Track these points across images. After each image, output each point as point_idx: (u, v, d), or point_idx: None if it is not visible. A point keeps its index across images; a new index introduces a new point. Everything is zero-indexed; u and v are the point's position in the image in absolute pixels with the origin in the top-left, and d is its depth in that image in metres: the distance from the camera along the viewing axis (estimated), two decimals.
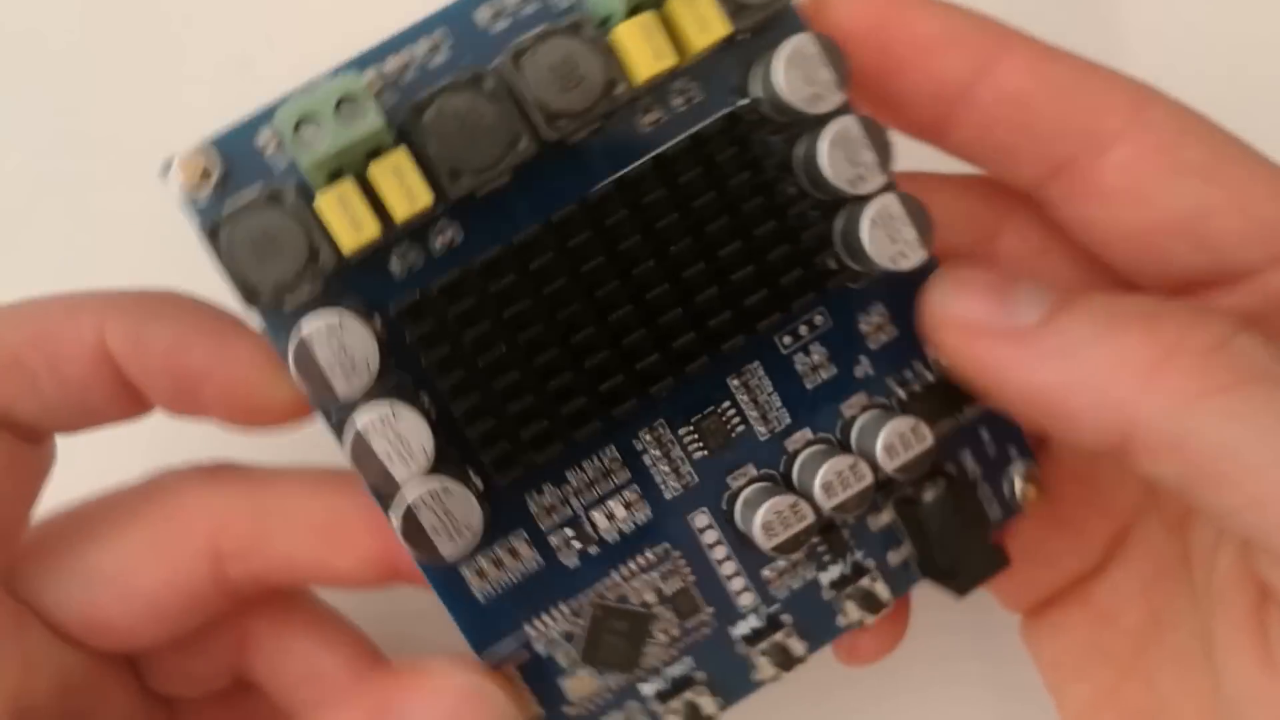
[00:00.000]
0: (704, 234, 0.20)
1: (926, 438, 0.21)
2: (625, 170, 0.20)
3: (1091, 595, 0.23)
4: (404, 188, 0.19)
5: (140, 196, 0.22)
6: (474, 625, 0.21)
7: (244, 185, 0.19)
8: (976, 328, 0.20)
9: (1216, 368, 0.17)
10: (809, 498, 0.20)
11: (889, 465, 0.21)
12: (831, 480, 0.20)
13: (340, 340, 0.19)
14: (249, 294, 0.18)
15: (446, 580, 0.20)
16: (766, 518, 0.20)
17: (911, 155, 0.21)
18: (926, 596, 0.23)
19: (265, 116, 0.19)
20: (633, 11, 0.19)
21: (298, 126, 0.18)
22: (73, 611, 0.21)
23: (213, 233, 0.18)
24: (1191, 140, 0.20)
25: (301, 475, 0.22)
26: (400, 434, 0.19)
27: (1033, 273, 0.22)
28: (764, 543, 0.20)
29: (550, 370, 0.19)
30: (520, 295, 0.19)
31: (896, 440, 0.21)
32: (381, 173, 0.18)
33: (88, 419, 0.21)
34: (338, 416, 0.19)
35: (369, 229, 0.18)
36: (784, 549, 0.20)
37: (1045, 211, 0.22)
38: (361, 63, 0.20)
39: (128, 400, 0.21)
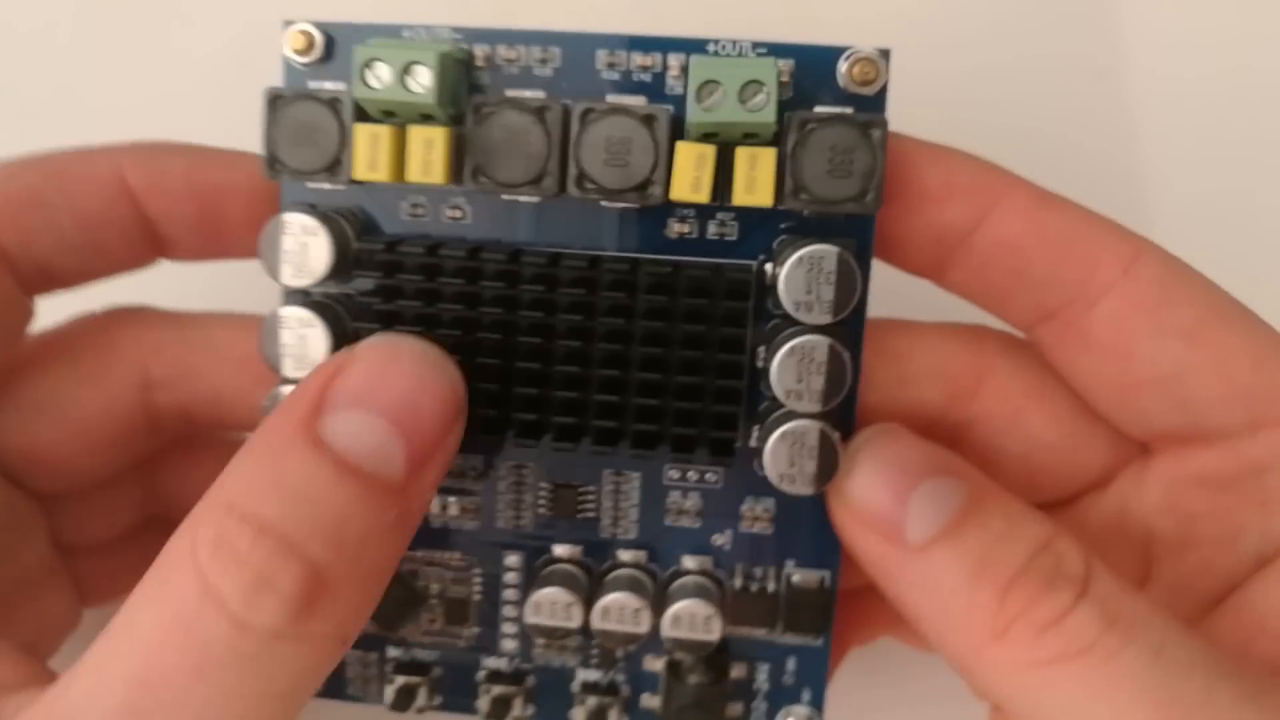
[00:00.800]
0: (652, 348, 0.21)
1: (714, 632, 0.21)
2: (616, 255, 0.21)
3: None
4: (427, 160, 0.20)
5: None
6: None
7: (331, 76, 0.21)
8: (868, 521, 0.20)
9: (1047, 641, 0.18)
10: (588, 605, 0.22)
11: (667, 631, 0.21)
12: (611, 609, 0.21)
13: (306, 242, 0.21)
14: (271, 165, 0.21)
15: None
16: (542, 597, 0.22)
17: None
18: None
19: (370, 31, 0.21)
20: (704, 137, 0.20)
21: (369, 63, 0.20)
22: (12, 446, 0.22)
23: (273, 102, 0.21)
24: (1179, 298, 0.20)
25: (226, 316, 0.24)
26: (306, 339, 0.21)
27: (1009, 433, 0.22)
28: (528, 614, 0.22)
29: (486, 349, 0.21)
30: (482, 302, 0.21)
31: (687, 617, 0.21)
32: (416, 138, 0.20)
33: (102, 263, 0.22)
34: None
35: (381, 173, 0.20)
36: (538, 631, 0.22)
37: (1038, 351, 0.22)
38: (477, 38, 0.21)
39: (143, 241, 0.22)
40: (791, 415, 0.21)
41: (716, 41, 0.21)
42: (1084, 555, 0.19)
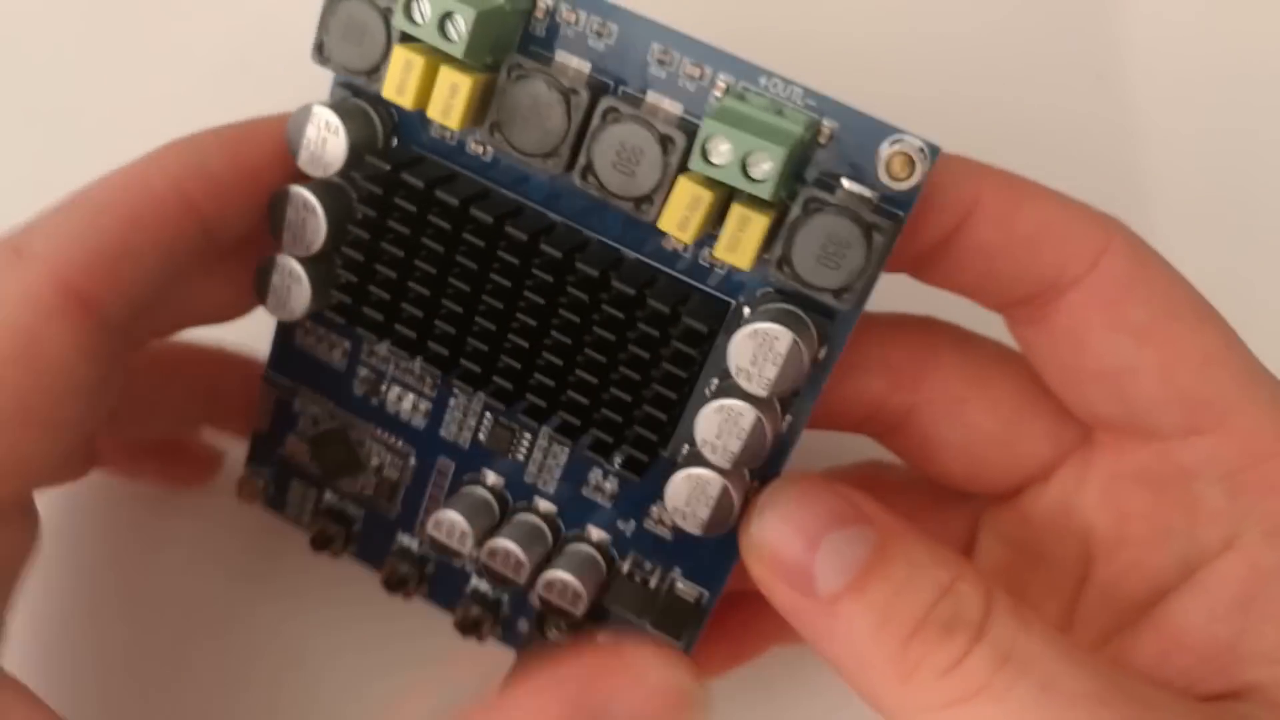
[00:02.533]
0: (618, 341, 0.21)
1: (579, 609, 0.23)
2: (603, 243, 0.21)
3: None
4: (449, 103, 0.20)
5: None
6: (280, 355, 0.25)
7: None
8: (779, 573, 0.20)
9: (947, 684, 0.19)
10: (481, 542, 0.23)
11: (539, 589, 0.23)
12: (498, 552, 0.23)
13: (326, 138, 0.22)
14: (320, 53, 0.21)
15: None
16: (443, 517, 0.23)
17: None
18: None
19: None
20: (708, 182, 0.19)
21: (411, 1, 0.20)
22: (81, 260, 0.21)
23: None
24: (1138, 296, 0.21)
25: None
26: (306, 224, 0.22)
27: (949, 421, 0.23)
28: (429, 526, 0.24)
29: (450, 294, 0.22)
30: (459, 250, 0.22)
31: (559, 585, 0.23)
32: (444, 79, 0.20)
33: (188, 294, 0.23)
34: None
35: (407, 99, 0.21)
36: (432, 544, 0.24)
37: (1008, 326, 0.23)
38: None
39: (206, 249, 0.22)
40: (703, 465, 0.21)
41: (770, 75, 0.20)
42: (983, 597, 0.19)
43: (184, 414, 0.29)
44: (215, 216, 0.22)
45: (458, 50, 0.20)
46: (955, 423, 0.23)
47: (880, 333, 0.23)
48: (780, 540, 0.20)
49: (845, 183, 0.20)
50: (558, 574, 0.23)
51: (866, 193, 0.20)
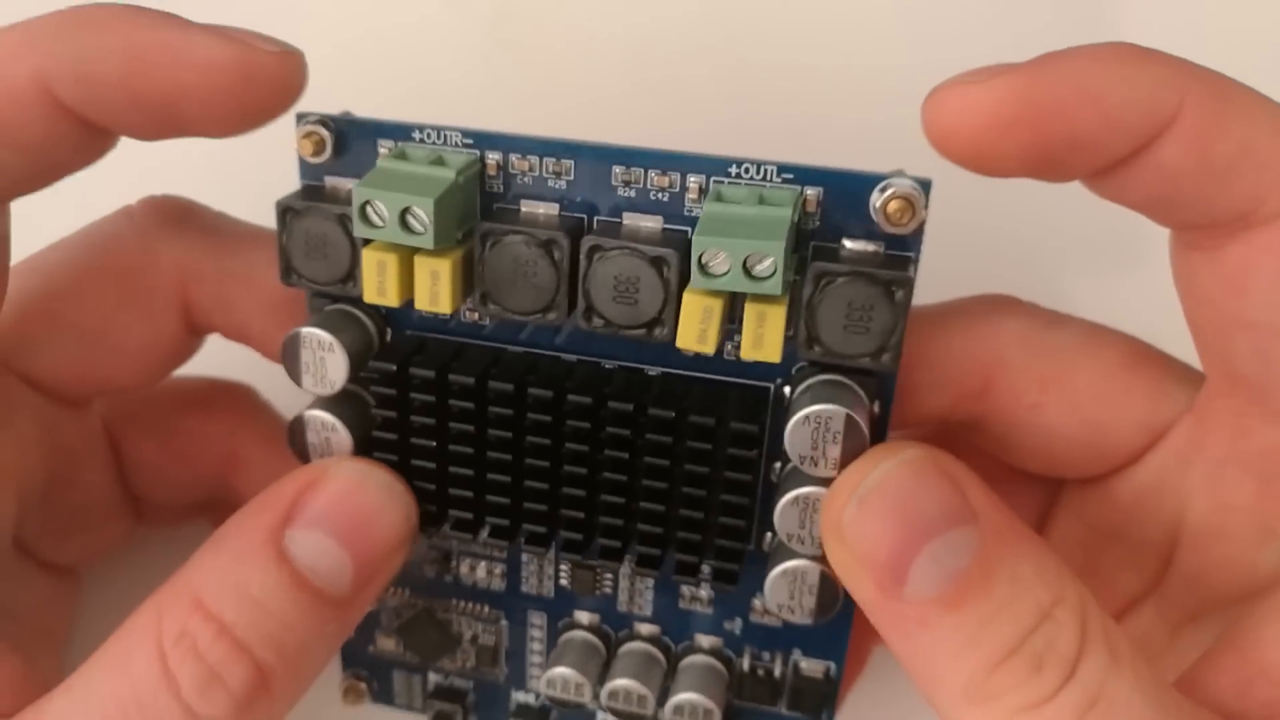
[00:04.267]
0: (673, 464, 0.21)
1: (714, 718, 0.23)
2: (623, 389, 0.21)
3: None
4: (433, 290, 0.20)
5: None
6: None
7: (350, 171, 0.21)
8: (867, 568, 0.19)
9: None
10: (601, 681, 0.23)
11: (669, 717, 0.23)
12: (619, 692, 0.23)
13: (323, 356, 0.21)
14: (285, 272, 0.21)
15: None
16: (555, 675, 0.23)
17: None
18: None
19: (393, 131, 0.20)
20: (713, 292, 0.19)
21: (366, 204, 0.19)
22: (67, 374, 0.23)
23: (283, 214, 0.20)
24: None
25: (260, 240, 0.23)
26: (330, 442, 0.22)
27: (1023, 428, 0.22)
28: (543, 687, 0.23)
29: (493, 466, 0.21)
30: (490, 424, 0.21)
31: (688, 708, 0.23)
32: (422, 269, 0.20)
33: (54, 172, 0.20)
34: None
35: (389, 298, 0.20)
36: (553, 701, 0.23)
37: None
38: (489, 143, 0.20)
39: (92, 139, 0.20)
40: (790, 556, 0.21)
41: (739, 163, 0.19)
42: (1079, 625, 0.18)
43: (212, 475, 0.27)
44: (109, 121, 0.19)
45: (426, 241, 0.19)
46: (1030, 429, 0.22)
47: (938, 341, 0.21)
48: (879, 538, 0.18)
49: (847, 243, 0.19)
50: (684, 697, 0.23)
51: (870, 247, 0.19)
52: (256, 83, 0.19)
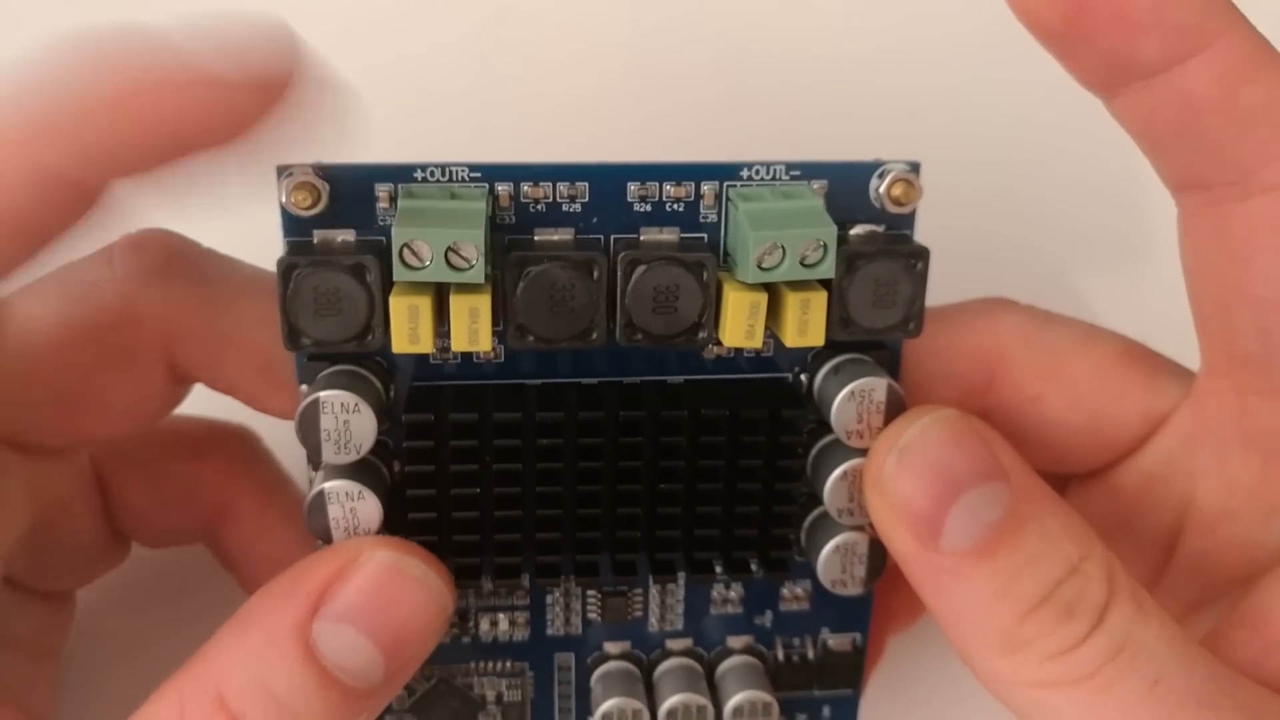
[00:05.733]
0: (698, 465, 0.21)
1: (774, 710, 0.23)
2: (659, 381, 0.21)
3: None
4: (471, 329, 0.19)
5: None
6: None
7: (341, 222, 0.20)
8: (905, 521, 0.19)
9: (1053, 666, 0.19)
10: (653, 710, 0.23)
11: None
12: (678, 710, 0.23)
13: (347, 419, 0.20)
14: (293, 339, 0.19)
15: None
16: (611, 707, 0.23)
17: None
18: None
19: (395, 173, 0.20)
20: (756, 286, 0.20)
21: (405, 246, 0.18)
22: (46, 431, 0.22)
23: (286, 272, 0.19)
24: None
25: (251, 288, 0.22)
26: (357, 513, 0.20)
27: (1026, 421, 0.22)
28: None
29: (507, 500, 0.21)
30: (513, 435, 0.21)
31: (747, 706, 0.23)
32: (459, 308, 0.19)
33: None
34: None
35: (424, 345, 0.19)
36: None
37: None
38: (498, 175, 0.20)
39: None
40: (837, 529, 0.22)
41: (750, 166, 0.20)
42: (1107, 578, 0.19)
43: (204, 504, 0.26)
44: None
45: (476, 276, 0.19)
46: (1033, 422, 0.22)
47: (941, 337, 0.22)
48: (917, 488, 0.19)
49: (857, 228, 0.21)
50: (741, 697, 0.23)
51: (877, 228, 0.21)
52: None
